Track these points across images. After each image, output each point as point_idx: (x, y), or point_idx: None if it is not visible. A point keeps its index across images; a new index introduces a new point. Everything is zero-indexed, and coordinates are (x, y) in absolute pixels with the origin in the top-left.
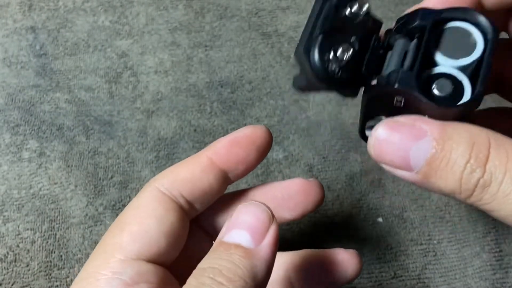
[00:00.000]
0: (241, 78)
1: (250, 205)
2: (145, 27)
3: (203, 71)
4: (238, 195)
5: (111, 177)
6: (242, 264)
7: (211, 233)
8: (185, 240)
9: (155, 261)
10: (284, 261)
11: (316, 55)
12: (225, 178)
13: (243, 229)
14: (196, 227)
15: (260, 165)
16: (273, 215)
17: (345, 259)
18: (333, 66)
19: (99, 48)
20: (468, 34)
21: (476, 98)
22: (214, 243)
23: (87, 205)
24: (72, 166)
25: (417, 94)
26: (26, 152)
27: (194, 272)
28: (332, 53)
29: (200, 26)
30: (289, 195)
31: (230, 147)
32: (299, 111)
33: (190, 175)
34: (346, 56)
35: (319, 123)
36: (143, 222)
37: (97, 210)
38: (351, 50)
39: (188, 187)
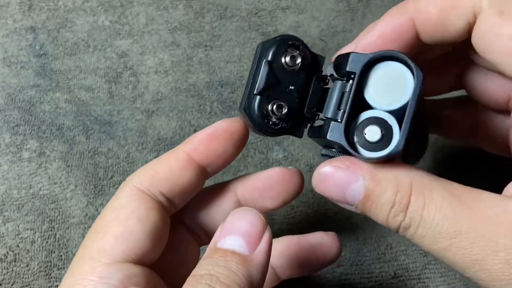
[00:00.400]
0: (241, 78)
1: (244, 211)
2: (145, 27)
3: (203, 71)
4: (218, 188)
5: (111, 177)
6: (239, 271)
7: (192, 228)
8: (167, 237)
9: (141, 262)
10: None
11: (255, 113)
12: (204, 173)
13: (238, 235)
14: (176, 223)
15: (260, 165)
16: (266, 222)
17: (325, 241)
18: (273, 119)
19: (99, 48)
20: (399, 76)
21: (393, 153)
22: (208, 248)
23: (87, 205)
24: (72, 166)
25: (345, 144)
26: (26, 152)
27: (190, 279)
28: (270, 107)
29: (200, 26)
30: (271, 185)
31: (208, 142)
32: None
33: (168, 172)
34: (284, 110)
35: None
36: (126, 223)
37: (97, 210)
38: (287, 104)
39: (167, 184)
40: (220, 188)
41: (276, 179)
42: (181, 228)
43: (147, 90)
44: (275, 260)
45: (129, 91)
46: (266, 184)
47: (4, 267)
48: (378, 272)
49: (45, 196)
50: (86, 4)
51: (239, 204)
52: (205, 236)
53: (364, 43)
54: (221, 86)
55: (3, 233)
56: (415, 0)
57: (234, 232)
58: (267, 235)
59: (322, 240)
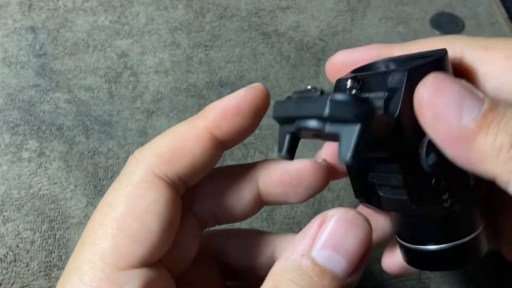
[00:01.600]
0: (241, 78)
1: (355, 222)
2: (145, 27)
3: (203, 71)
4: (236, 172)
5: (111, 177)
6: None
7: (198, 210)
8: (178, 226)
9: (155, 259)
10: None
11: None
12: (222, 150)
13: (341, 256)
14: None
15: None
16: (371, 239)
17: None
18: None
19: (99, 48)
20: None
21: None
22: (294, 248)
23: (86, 205)
24: (72, 166)
25: None
26: (26, 152)
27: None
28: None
29: (200, 26)
30: (298, 180)
31: (233, 118)
32: None
33: (189, 155)
34: None
35: None
36: (143, 219)
37: None
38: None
39: (186, 167)
40: (238, 173)
41: (306, 174)
42: (185, 208)
43: (147, 90)
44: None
45: (129, 91)
46: (294, 179)
47: (4, 267)
48: (378, 273)
49: (45, 196)
50: (86, 4)
51: (258, 195)
52: (213, 221)
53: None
54: (221, 86)
55: (3, 233)
56: None
57: (339, 249)
58: (366, 257)
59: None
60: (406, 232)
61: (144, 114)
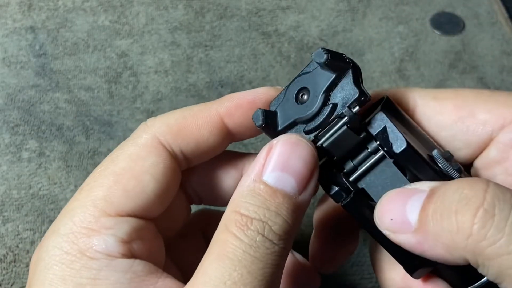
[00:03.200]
0: (241, 78)
1: (298, 143)
2: (145, 27)
3: (203, 71)
4: (225, 158)
5: None
6: (289, 219)
7: (185, 187)
8: (173, 195)
9: (145, 217)
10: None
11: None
12: (230, 140)
13: (289, 175)
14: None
15: None
16: (317, 158)
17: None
18: None
19: (99, 48)
20: None
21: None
22: (249, 175)
23: None
24: (71, 166)
25: None
26: (26, 152)
27: (234, 215)
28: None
29: (200, 26)
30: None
31: (246, 110)
32: None
33: (196, 132)
34: None
35: None
36: (140, 178)
37: None
38: None
39: (191, 144)
40: (227, 159)
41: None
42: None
43: (147, 90)
44: None
45: (129, 91)
46: None
47: (4, 268)
48: None
49: (44, 197)
50: (86, 4)
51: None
52: (197, 198)
53: None
54: (221, 86)
55: (2, 234)
56: None
57: (286, 169)
58: (316, 175)
59: (304, 269)
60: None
61: (144, 114)
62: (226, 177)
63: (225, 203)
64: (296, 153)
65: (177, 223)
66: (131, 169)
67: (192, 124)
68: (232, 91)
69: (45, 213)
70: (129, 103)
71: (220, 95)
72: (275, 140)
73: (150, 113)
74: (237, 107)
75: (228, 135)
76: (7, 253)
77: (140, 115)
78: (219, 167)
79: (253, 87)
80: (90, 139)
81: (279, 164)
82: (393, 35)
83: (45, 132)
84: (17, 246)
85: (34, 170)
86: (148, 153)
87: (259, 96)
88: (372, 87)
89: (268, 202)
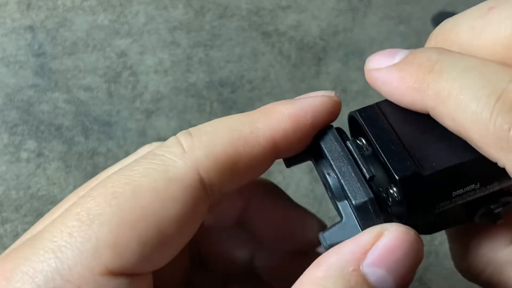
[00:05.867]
0: (241, 78)
1: (415, 247)
2: (144, 26)
3: (203, 70)
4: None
5: None
6: None
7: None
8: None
9: (144, 272)
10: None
11: None
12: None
13: (394, 280)
14: None
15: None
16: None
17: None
18: None
19: (98, 48)
20: None
21: None
22: (340, 259)
23: None
24: (71, 166)
25: None
26: (25, 153)
27: None
28: None
29: (200, 26)
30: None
31: (304, 135)
32: None
33: (250, 171)
34: None
35: None
36: (164, 229)
37: None
38: None
39: (237, 184)
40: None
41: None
42: None
43: (146, 90)
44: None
45: (128, 91)
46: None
47: None
48: None
49: (43, 197)
50: (85, 3)
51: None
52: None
53: None
54: (221, 86)
55: (1, 234)
56: None
57: (393, 272)
58: (413, 274)
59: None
60: None
61: (143, 114)
62: (236, 246)
63: (225, 269)
64: (409, 257)
65: (177, 275)
66: (155, 213)
67: (245, 157)
68: (232, 91)
69: (44, 214)
70: (129, 103)
71: (220, 95)
72: (389, 226)
73: (150, 113)
74: (295, 130)
75: (275, 159)
76: None
77: (140, 115)
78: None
79: (253, 87)
80: (89, 139)
81: (387, 261)
82: (394, 34)
83: (44, 132)
84: None
85: (33, 170)
86: (183, 194)
87: (318, 113)
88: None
89: None
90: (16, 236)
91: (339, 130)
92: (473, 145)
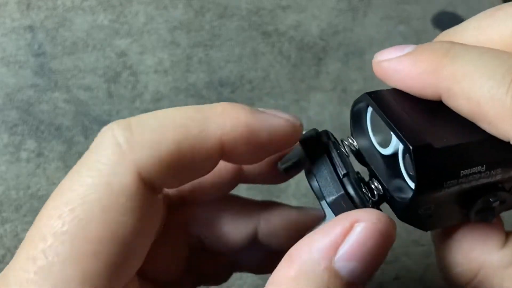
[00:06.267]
0: (241, 77)
1: (387, 233)
2: (144, 26)
3: (203, 70)
4: (236, 204)
5: None
6: None
7: (189, 231)
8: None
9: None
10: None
11: None
12: (238, 178)
13: (361, 263)
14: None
15: None
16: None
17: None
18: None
19: (98, 47)
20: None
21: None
22: (310, 256)
23: None
24: (70, 166)
25: None
26: (24, 152)
27: None
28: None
29: (200, 25)
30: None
31: (251, 146)
32: (300, 111)
33: (196, 173)
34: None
35: (320, 123)
36: (119, 246)
37: None
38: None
39: (179, 178)
40: (239, 205)
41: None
42: (179, 225)
43: (146, 89)
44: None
45: (128, 91)
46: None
47: (2, 268)
48: (379, 274)
49: (43, 197)
50: (85, 3)
51: (253, 237)
52: (198, 241)
53: None
54: (221, 86)
55: (1, 234)
56: None
57: (365, 261)
58: (385, 257)
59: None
60: None
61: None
62: (236, 224)
63: (228, 250)
64: (381, 245)
65: (170, 272)
66: (108, 230)
67: (189, 158)
68: (232, 91)
69: None
70: (129, 103)
71: (220, 95)
72: (360, 217)
73: None
74: (246, 142)
75: (236, 172)
76: (5, 254)
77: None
78: (234, 220)
79: (253, 87)
80: (89, 139)
81: (358, 254)
82: (394, 34)
83: (44, 132)
84: (16, 247)
85: (32, 170)
86: (132, 204)
87: (275, 133)
88: (373, 87)
89: None
90: (16, 236)
91: (326, 133)
92: (486, 124)
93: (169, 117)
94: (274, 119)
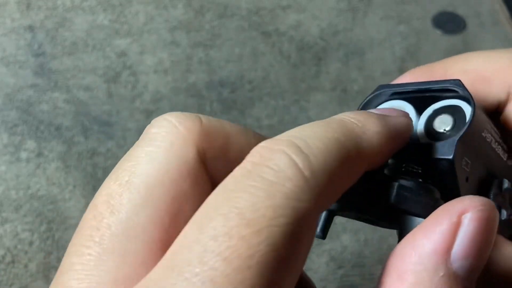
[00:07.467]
0: (241, 77)
1: (494, 219)
2: (144, 26)
3: (203, 70)
4: None
5: None
6: None
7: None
8: None
9: None
10: None
11: None
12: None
13: (477, 259)
14: None
15: None
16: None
17: None
18: None
19: (98, 47)
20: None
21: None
22: (427, 271)
23: (85, 205)
24: (70, 166)
25: None
26: (24, 153)
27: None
28: None
29: (200, 25)
30: None
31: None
32: (300, 111)
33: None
34: None
35: None
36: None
37: None
38: None
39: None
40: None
41: None
42: None
43: (146, 89)
44: None
45: (128, 91)
46: None
47: (2, 269)
48: (379, 274)
49: (43, 197)
50: (85, 3)
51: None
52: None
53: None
54: (221, 86)
55: (1, 234)
56: None
57: (476, 255)
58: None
59: None
60: None
61: (143, 114)
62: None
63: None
64: (490, 234)
65: None
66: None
67: (346, 183)
68: (232, 91)
69: (44, 214)
70: (128, 103)
71: (220, 95)
72: (466, 206)
73: (150, 113)
74: (387, 156)
75: None
76: (5, 254)
77: (139, 115)
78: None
79: (253, 87)
80: (89, 139)
81: (474, 250)
82: (394, 34)
83: (44, 132)
84: (16, 247)
85: (32, 170)
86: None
87: (405, 137)
88: (372, 87)
89: None
90: (16, 236)
91: None
92: None
93: (329, 135)
94: (403, 121)
